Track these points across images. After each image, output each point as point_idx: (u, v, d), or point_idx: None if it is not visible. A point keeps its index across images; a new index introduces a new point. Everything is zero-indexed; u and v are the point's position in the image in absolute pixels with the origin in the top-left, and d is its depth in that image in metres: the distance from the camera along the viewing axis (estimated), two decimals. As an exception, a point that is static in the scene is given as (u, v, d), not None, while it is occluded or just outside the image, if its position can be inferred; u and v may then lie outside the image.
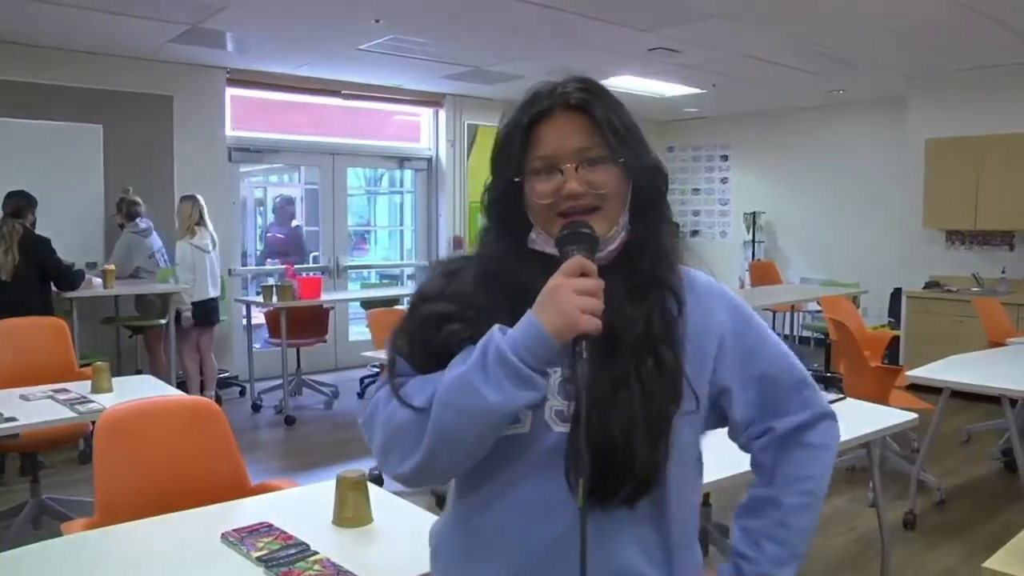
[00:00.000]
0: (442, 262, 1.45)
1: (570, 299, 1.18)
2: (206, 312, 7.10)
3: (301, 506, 2.41)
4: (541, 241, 1.35)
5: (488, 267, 1.37)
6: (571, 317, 1.18)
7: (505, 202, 1.37)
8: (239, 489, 2.61)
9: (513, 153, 1.33)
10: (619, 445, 1.24)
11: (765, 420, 1.44)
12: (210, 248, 7.07)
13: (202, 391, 7.06)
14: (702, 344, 1.38)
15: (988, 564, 1.91)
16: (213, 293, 7.16)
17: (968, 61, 7.87)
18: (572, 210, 1.30)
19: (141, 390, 3.76)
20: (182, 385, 6.87)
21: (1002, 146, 7.96)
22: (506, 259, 1.36)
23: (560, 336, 1.18)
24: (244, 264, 8.92)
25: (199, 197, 7.05)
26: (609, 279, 1.26)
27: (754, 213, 11.00)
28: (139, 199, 7.14)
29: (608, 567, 1.30)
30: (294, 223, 9.70)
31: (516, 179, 1.33)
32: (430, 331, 1.31)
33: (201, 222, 7.01)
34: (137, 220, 7.10)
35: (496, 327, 1.23)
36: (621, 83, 8.67)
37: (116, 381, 3.96)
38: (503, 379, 1.19)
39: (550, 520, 1.28)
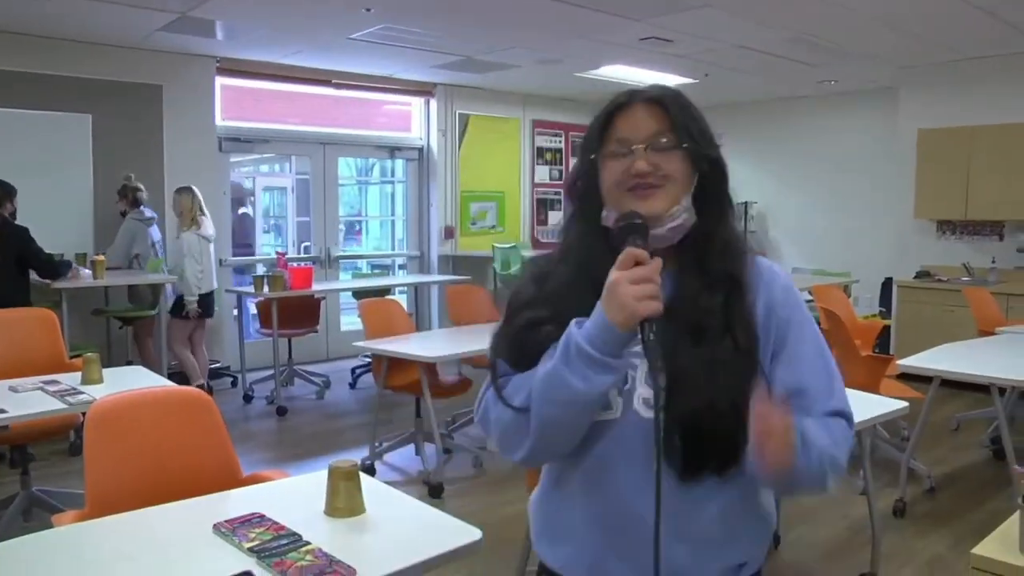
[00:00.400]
0: (530, 265, 1.62)
1: (627, 291, 1.32)
2: (208, 304, 7.09)
3: (293, 497, 2.40)
4: (611, 219, 1.48)
5: (571, 257, 1.52)
6: (630, 308, 1.31)
7: (584, 182, 1.52)
8: (231, 480, 2.61)
9: (594, 138, 1.50)
10: (707, 421, 1.38)
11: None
12: (213, 239, 7.06)
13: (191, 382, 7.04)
14: (766, 329, 1.50)
15: (976, 550, 1.93)
16: (216, 284, 7.15)
17: (959, 52, 7.87)
18: (637, 186, 1.44)
19: (132, 381, 3.75)
20: (174, 376, 6.83)
21: (992, 137, 7.98)
22: (585, 243, 1.51)
23: (625, 326, 1.32)
24: (235, 255, 8.90)
25: (195, 188, 7.01)
26: (686, 273, 1.45)
27: (746, 203, 11.01)
28: (142, 185, 7.12)
29: (695, 534, 1.46)
30: (241, 210, 9.60)
31: (592, 156, 1.49)
32: (528, 335, 1.47)
33: (202, 212, 7.00)
34: (142, 208, 7.09)
35: (574, 322, 1.38)
36: (612, 73, 8.67)
37: (106, 372, 3.94)
38: (585, 368, 1.34)
39: (641, 499, 1.41)
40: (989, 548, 1.93)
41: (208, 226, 7.02)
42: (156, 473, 2.55)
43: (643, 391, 1.44)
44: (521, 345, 1.47)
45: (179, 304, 6.94)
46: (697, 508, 1.45)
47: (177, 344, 7.01)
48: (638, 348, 1.37)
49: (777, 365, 1.49)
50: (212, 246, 7.07)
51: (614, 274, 1.34)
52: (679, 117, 1.46)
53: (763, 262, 1.56)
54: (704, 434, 1.38)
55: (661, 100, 1.47)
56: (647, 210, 1.42)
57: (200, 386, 6.93)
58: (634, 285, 1.31)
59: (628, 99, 1.49)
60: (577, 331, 1.36)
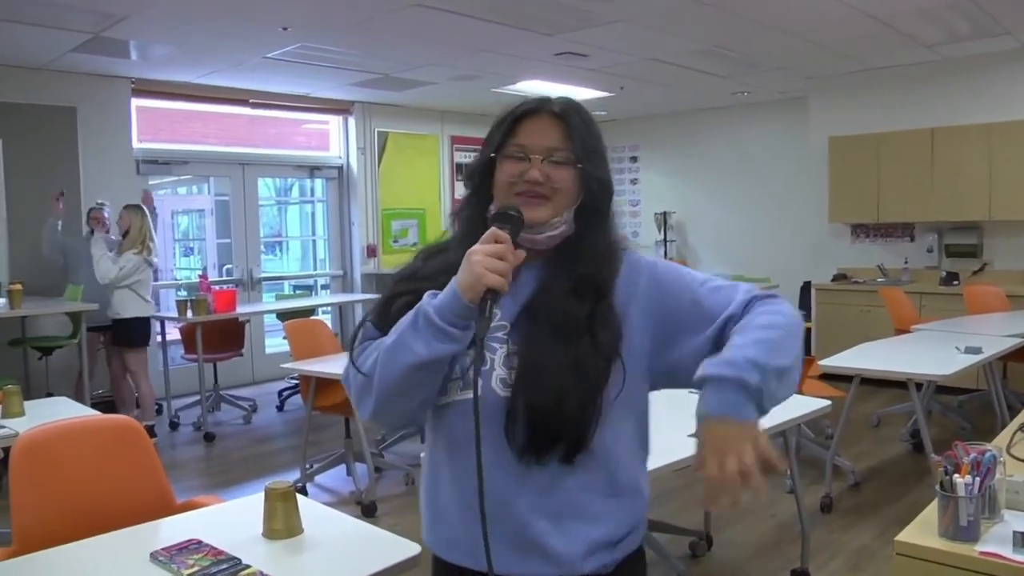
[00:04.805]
0: (423, 247, 1.69)
1: (479, 261, 1.40)
2: (151, 330, 6.96)
3: (229, 521, 2.38)
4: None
5: (456, 240, 1.59)
6: (477, 275, 1.39)
7: (481, 175, 1.59)
8: (165, 507, 2.56)
9: (497, 136, 1.57)
10: (552, 412, 1.44)
11: (713, 327, 1.52)
12: (156, 267, 6.98)
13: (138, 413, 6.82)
14: (632, 325, 1.54)
15: (899, 537, 2.00)
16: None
17: (863, 62, 8.15)
18: (527, 192, 1.52)
19: (56, 412, 3.66)
20: (99, 406, 6.60)
21: (899, 142, 8.27)
22: (472, 229, 1.54)
23: (470, 292, 1.40)
24: (156, 279, 8.71)
25: (145, 209, 6.85)
26: (553, 274, 1.52)
27: (665, 213, 11.19)
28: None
29: (556, 509, 1.50)
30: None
31: (492, 155, 1.56)
32: (394, 302, 1.56)
33: (151, 238, 6.80)
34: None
35: (428, 293, 1.47)
36: (529, 88, 8.74)
37: (27, 405, 3.83)
38: (429, 335, 1.42)
39: (499, 475, 1.48)
40: (911, 534, 2.01)
41: (152, 252, 6.83)
42: (87, 505, 2.50)
43: (501, 372, 1.50)
44: (387, 309, 1.56)
45: (139, 329, 6.78)
46: (551, 485, 1.49)
47: (140, 372, 6.82)
48: (501, 333, 1.51)
49: (686, 336, 1.52)
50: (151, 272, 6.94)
51: (474, 247, 1.43)
52: (578, 135, 1.54)
53: (635, 260, 1.61)
54: (551, 427, 1.45)
55: (565, 115, 1.55)
56: (531, 217, 1.51)
57: (150, 426, 6.74)
58: (487, 257, 1.40)
59: (537, 107, 1.56)
60: (429, 300, 1.45)
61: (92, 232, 6.80)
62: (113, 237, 6.93)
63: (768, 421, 3.66)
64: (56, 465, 2.54)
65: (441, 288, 1.47)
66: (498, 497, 1.47)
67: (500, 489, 1.48)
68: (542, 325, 1.48)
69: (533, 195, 1.52)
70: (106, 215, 6.88)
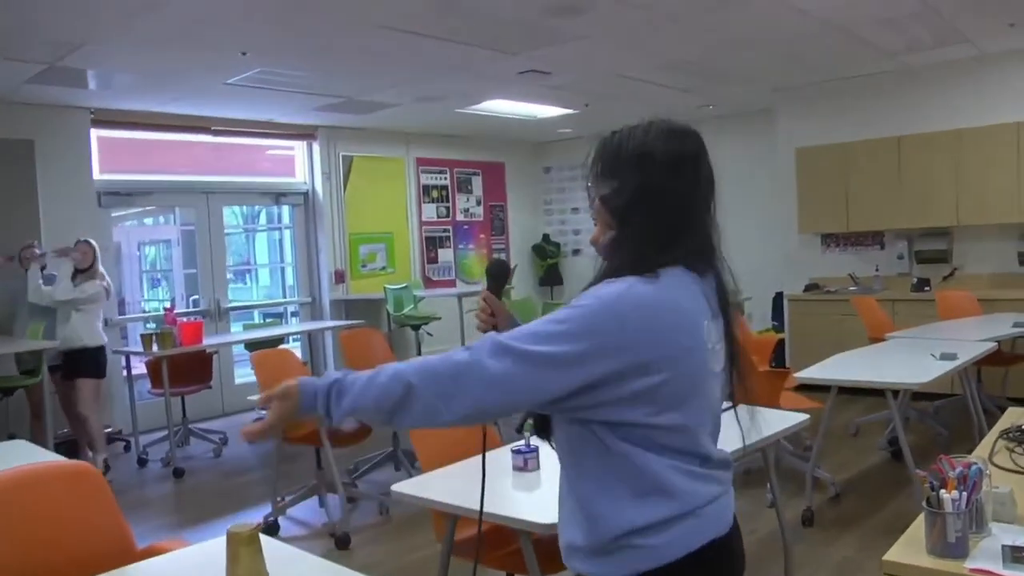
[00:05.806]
0: None
1: None
2: (105, 361, 6.84)
3: (192, 567, 2.28)
4: None
5: None
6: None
7: None
8: (125, 555, 2.45)
9: None
10: None
11: None
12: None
13: (92, 452, 6.67)
14: None
15: (887, 556, 1.95)
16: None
17: (828, 72, 8.18)
18: None
19: (14, 457, 3.53)
20: (62, 447, 6.46)
21: (867, 151, 8.31)
22: None
23: None
24: (122, 313, 8.58)
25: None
26: None
27: (635, 228, 11.15)
28: None
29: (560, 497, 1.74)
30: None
31: None
32: None
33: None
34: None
35: None
36: (494, 107, 8.73)
37: (-16, 448, 3.71)
38: None
39: None
40: (899, 552, 1.96)
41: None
42: (41, 558, 2.37)
43: None
44: None
45: (100, 357, 6.70)
46: (562, 476, 1.72)
47: (91, 406, 6.67)
48: None
49: None
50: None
51: None
52: (590, 170, 1.80)
53: (602, 287, 1.66)
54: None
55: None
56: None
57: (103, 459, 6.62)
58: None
59: None
60: None
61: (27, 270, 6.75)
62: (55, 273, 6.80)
63: (748, 438, 3.57)
64: (7, 515, 2.42)
65: None
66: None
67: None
68: None
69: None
70: (37, 251, 6.81)
